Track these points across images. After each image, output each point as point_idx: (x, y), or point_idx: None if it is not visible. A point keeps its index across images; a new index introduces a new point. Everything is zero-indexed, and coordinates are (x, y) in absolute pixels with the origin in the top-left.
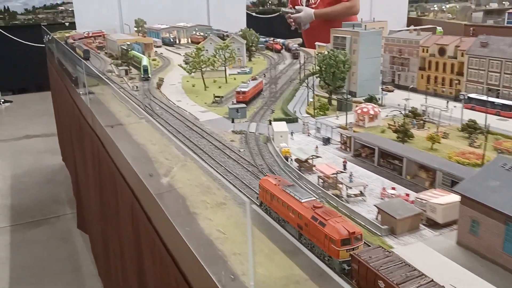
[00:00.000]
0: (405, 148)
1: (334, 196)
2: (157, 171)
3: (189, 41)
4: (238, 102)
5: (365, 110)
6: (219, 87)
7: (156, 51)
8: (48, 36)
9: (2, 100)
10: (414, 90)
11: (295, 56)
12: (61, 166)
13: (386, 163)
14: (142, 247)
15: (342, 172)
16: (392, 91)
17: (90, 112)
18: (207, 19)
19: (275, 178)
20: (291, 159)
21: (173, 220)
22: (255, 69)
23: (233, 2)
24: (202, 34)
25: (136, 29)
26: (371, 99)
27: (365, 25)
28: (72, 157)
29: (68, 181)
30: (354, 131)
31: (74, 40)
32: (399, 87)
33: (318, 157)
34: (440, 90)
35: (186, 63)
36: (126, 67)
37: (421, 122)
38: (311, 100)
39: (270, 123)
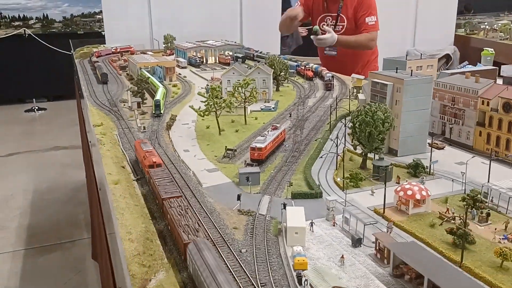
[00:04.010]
0: (471, 283)
1: None
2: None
3: (217, 61)
4: (253, 160)
5: (409, 193)
6: (236, 131)
7: (179, 74)
8: (73, 51)
9: (36, 108)
10: (469, 148)
11: (328, 87)
12: (84, 182)
13: None
14: None
15: None
16: (443, 148)
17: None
18: (240, 36)
19: None
20: (306, 283)
21: None
22: (282, 103)
23: (268, 16)
24: (231, 54)
25: (165, 45)
26: (416, 167)
27: (411, 70)
28: (88, 175)
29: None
30: (394, 223)
31: (99, 55)
32: (451, 142)
33: None
34: (503, 154)
35: (203, 100)
36: (139, 99)
37: (484, 214)
38: (341, 155)
39: (284, 207)
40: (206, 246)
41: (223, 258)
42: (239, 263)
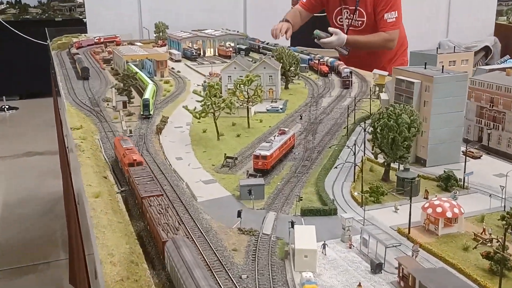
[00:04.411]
0: None
1: None
2: None
3: (217, 53)
4: (256, 170)
5: (439, 210)
6: (237, 136)
7: (172, 69)
8: (49, 42)
9: (7, 107)
10: (510, 158)
11: (346, 85)
12: (62, 193)
13: None
14: None
15: None
16: (479, 157)
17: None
18: (243, 25)
19: None
20: None
21: None
22: (291, 103)
23: (276, 2)
24: (232, 45)
25: (156, 34)
26: (448, 179)
27: (443, 65)
28: (65, 186)
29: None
30: (420, 246)
31: (80, 46)
32: (489, 150)
33: None
34: None
35: (202, 98)
36: (125, 98)
37: None
38: (359, 165)
39: (292, 226)
40: (184, 243)
41: (219, 285)
42: None
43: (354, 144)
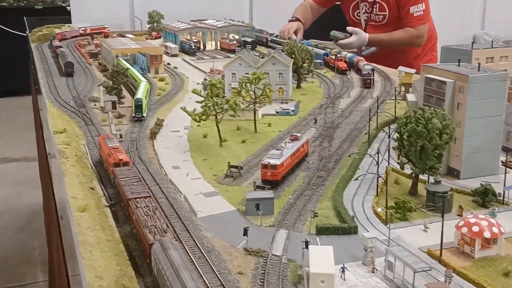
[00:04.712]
0: None
1: None
2: None
3: (219, 46)
4: (265, 181)
5: (475, 229)
6: (243, 142)
7: (168, 64)
8: (28, 33)
9: None
10: None
11: (367, 84)
12: (42, 205)
13: None
14: None
15: None
16: None
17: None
18: (248, 15)
19: None
20: None
21: None
22: (304, 105)
23: None
24: (236, 37)
25: (149, 25)
26: (485, 193)
27: (479, 62)
28: (46, 198)
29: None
30: (454, 270)
31: (63, 38)
32: None
33: None
34: None
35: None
36: (115, 97)
37: None
38: (383, 176)
39: (306, 246)
40: (172, 245)
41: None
42: None
43: (377, 153)
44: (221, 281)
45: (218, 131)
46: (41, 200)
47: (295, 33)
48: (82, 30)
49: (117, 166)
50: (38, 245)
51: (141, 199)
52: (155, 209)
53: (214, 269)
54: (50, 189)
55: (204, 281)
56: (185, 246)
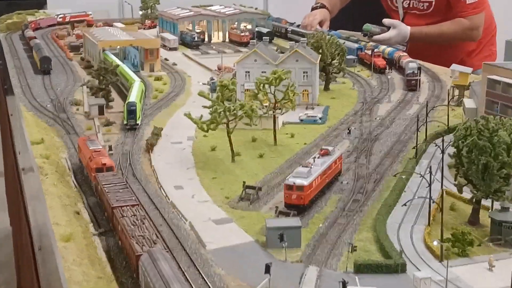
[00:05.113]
0: None
1: None
2: None
3: (227, 38)
4: (289, 205)
5: None
6: (260, 156)
7: (166, 59)
8: None
9: None
10: None
11: (411, 86)
12: (7, 232)
13: None
14: None
15: None
16: None
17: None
18: (264, 1)
19: None
20: None
21: None
22: (334, 111)
23: None
24: (249, 27)
25: (142, 12)
26: None
27: None
28: (16, 224)
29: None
30: None
31: (37, 27)
32: None
33: None
34: None
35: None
36: (102, 100)
37: None
38: (437, 201)
39: (344, 287)
40: (163, 256)
41: None
42: None
43: (429, 172)
44: None
45: (230, 142)
46: (6, 226)
47: (320, 24)
48: (60, 18)
49: (100, 171)
50: (2, 282)
51: (128, 207)
52: (144, 218)
53: None
54: (22, 212)
55: None
56: (192, 286)
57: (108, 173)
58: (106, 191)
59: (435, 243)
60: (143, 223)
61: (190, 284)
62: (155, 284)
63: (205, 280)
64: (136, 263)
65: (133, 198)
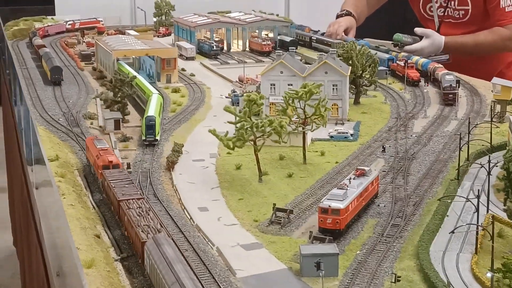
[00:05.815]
0: None
1: None
2: None
3: (247, 47)
4: (324, 230)
5: None
6: (289, 176)
7: (183, 70)
8: (2, 27)
9: None
10: None
11: (449, 100)
12: (10, 253)
13: None
14: None
15: None
16: None
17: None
18: (285, 6)
19: None
20: None
21: None
22: (366, 127)
23: None
24: (271, 36)
25: (156, 18)
26: None
27: None
28: (24, 247)
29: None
30: None
31: (46, 35)
32: None
33: None
34: None
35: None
36: (118, 114)
37: None
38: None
39: None
40: (167, 241)
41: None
42: None
43: (477, 196)
44: None
45: (257, 161)
46: (7, 245)
47: (345, 32)
48: (69, 25)
49: (107, 168)
50: None
51: (133, 200)
52: (149, 210)
53: None
54: (33, 232)
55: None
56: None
57: (114, 170)
58: (113, 186)
59: (488, 274)
60: (148, 214)
61: (191, 267)
62: (159, 266)
63: None
64: (141, 249)
65: (138, 192)
